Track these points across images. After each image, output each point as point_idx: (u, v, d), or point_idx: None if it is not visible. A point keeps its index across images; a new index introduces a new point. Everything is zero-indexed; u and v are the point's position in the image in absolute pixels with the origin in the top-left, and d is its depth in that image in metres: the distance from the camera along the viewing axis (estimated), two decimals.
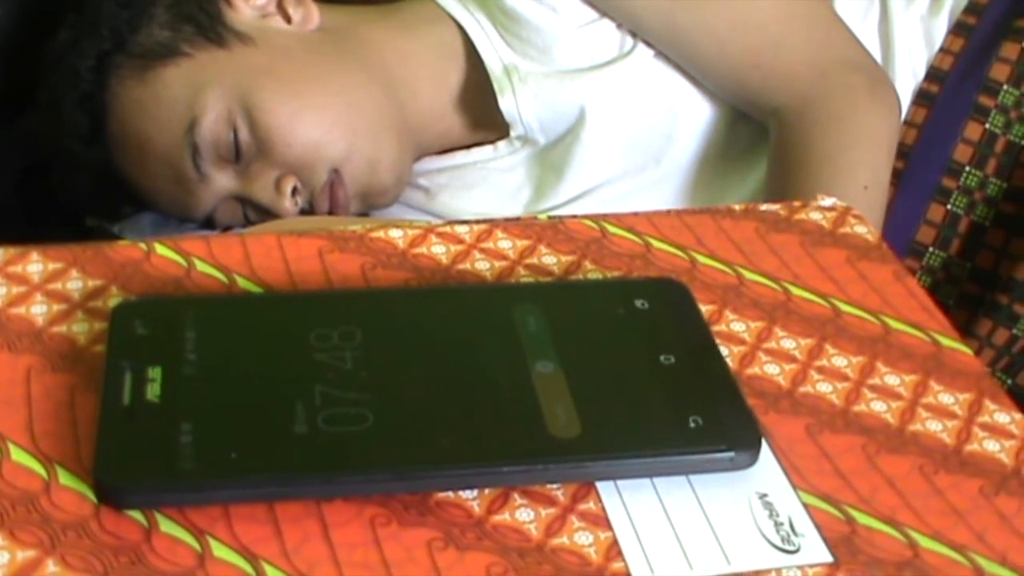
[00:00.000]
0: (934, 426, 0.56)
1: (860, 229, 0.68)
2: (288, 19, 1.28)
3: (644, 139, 1.28)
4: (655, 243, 0.66)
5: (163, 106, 1.22)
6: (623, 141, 1.28)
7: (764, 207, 0.70)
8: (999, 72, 1.24)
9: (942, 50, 1.25)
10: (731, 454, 0.52)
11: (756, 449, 0.53)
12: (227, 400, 0.52)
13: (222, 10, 1.26)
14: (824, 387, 0.58)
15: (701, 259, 0.65)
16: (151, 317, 0.56)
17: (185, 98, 1.21)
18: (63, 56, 1.27)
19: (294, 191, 1.22)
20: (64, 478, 0.50)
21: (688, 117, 1.28)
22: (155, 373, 0.53)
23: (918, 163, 1.25)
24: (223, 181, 1.24)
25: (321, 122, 1.23)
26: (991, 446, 0.55)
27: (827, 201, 0.70)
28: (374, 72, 1.27)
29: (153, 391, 0.53)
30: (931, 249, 1.25)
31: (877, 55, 1.26)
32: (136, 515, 0.49)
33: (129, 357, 0.54)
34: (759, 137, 1.28)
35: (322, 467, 0.50)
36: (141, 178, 1.28)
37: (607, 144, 1.27)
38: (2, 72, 1.38)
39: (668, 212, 0.68)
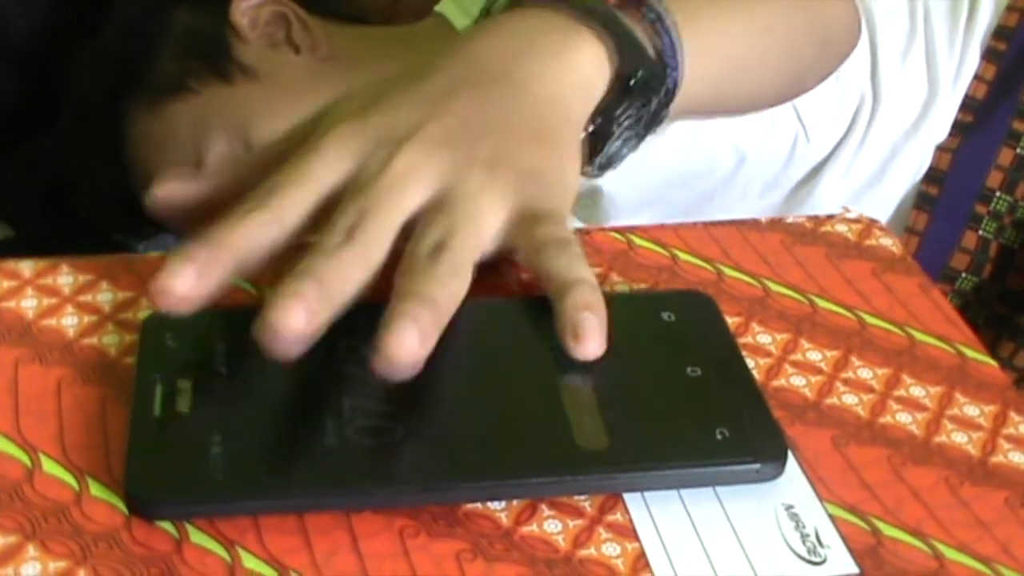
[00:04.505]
0: (959, 438, 0.56)
1: (886, 241, 0.68)
2: (297, 49, 1.27)
3: (674, 195, 1.27)
4: (681, 255, 0.66)
5: (170, 141, 1.22)
6: (650, 192, 1.26)
7: (790, 219, 0.70)
8: None
9: (976, 78, 1.24)
10: (757, 466, 0.52)
11: (782, 461, 0.53)
12: (257, 412, 0.52)
13: (231, 42, 1.25)
14: (850, 399, 0.58)
15: (727, 271, 0.65)
16: (181, 330, 0.57)
17: (191, 136, 1.21)
18: (78, 82, 1.27)
19: None
20: (95, 489, 0.50)
21: (716, 167, 1.27)
22: (185, 385, 0.54)
23: (952, 190, 1.24)
24: None
25: None
26: (1016, 458, 0.55)
27: (852, 213, 0.70)
28: None
29: (183, 403, 0.53)
30: (964, 275, 1.24)
31: (923, 90, 1.25)
32: (167, 526, 0.49)
33: (159, 369, 0.54)
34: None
35: (351, 479, 0.50)
36: None
37: (632, 195, 1.26)
38: (29, 86, 1.38)
39: (694, 224, 0.69)
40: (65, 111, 1.29)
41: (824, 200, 1.27)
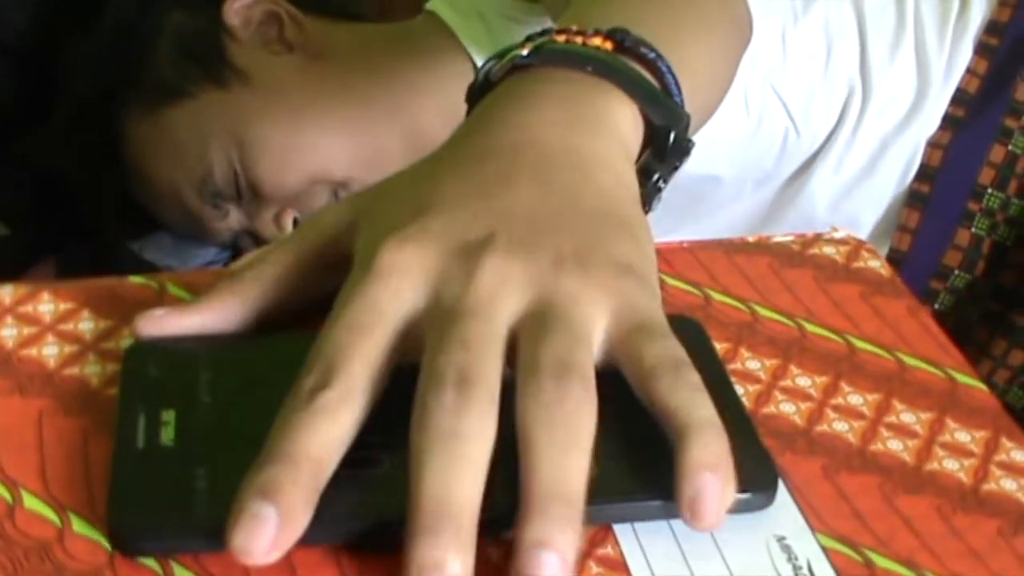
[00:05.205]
0: (951, 465, 0.56)
1: (873, 263, 0.68)
2: (290, 47, 1.27)
3: (667, 197, 1.26)
4: (669, 280, 0.65)
5: (168, 148, 1.23)
6: None
7: (777, 239, 0.69)
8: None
9: (969, 71, 1.24)
10: (748, 495, 0.52)
11: (773, 490, 0.52)
12: (241, 444, 0.51)
13: (225, 44, 1.25)
14: (840, 426, 0.57)
15: (715, 296, 0.65)
16: (163, 359, 0.56)
17: (189, 142, 1.21)
18: (73, 83, 1.27)
19: (296, 222, 1.22)
20: (77, 525, 0.50)
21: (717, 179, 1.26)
22: (169, 416, 0.53)
23: (944, 187, 1.23)
24: (232, 217, 1.25)
25: (313, 161, 1.22)
26: (1008, 485, 0.55)
27: (840, 233, 0.70)
28: (380, 106, 1.25)
29: (167, 435, 0.52)
30: (957, 272, 1.24)
31: (913, 83, 1.24)
32: (151, 563, 0.48)
33: (142, 400, 0.54)
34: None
35: (337, 513, 0.49)
36: (156, 207, 1.28)
37: None
38: (23, 82, 1.37)
39: (681, 247, 0.68)
40: (60, 112, 1.29)
41: (817, 194, 1.27)
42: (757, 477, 0.52)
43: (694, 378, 0.52)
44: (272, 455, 0.48)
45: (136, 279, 0.63)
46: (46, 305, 0.61)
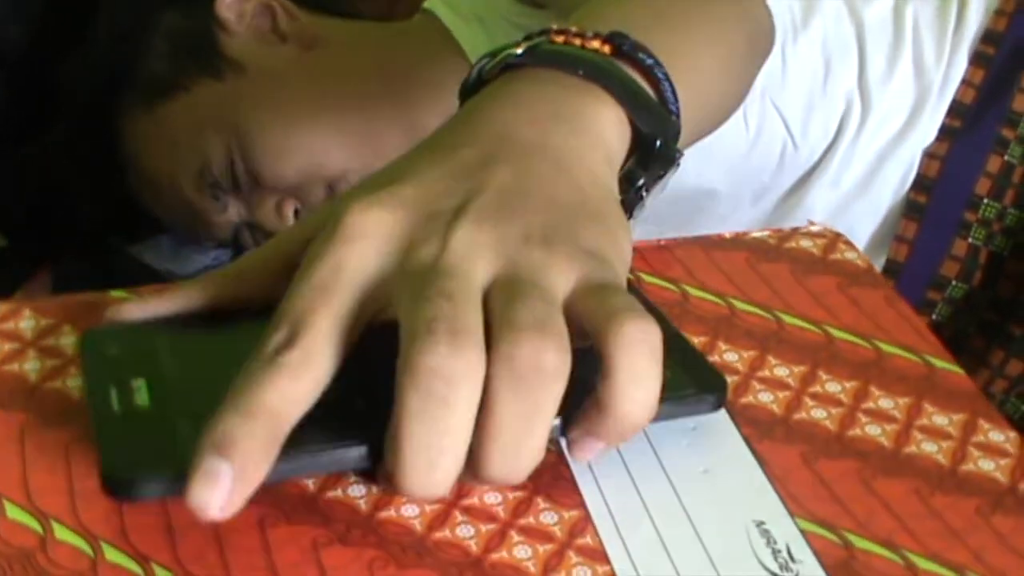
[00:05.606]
0: (929, 447, 0.56)
1: (850, 255, 0.68)
2: (284, 38, 1.28)
3: (665, 209, 1.26)
4: (646, 278, 0.66)
5: (167, 143, 1.23)
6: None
7: (754, 234, 0.70)
8: (1020, 103, 1.22)
9: (965, 82, 1.24)
10: (704, 395, 0.55)
11: (723, 391, 0.56)
12: (217, 391, 0.49)
13: (218, 37, 1.26)
14: (818, 413, 0.58)
15: (692, 291, 0.65)
16: (121, 339, 0.58)
17: (187, 136, 1.22)
18: (72, 89, 1.28)
19: (296, 213, 1.23)
20: (60, 532, 0.50)
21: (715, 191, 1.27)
22: (139, 383, 0.54)
23: (941, 198, 1.23)
24: (233, 210, 1.25)
25: (309, 149, 1.21)
26: (986, 465, 0.55)
27: (817, 227, 0.70)
28: (374, 95, 1.23)
29: (141, 398, 0.53)
30: (954, 282, 1.24)
31: (911, 95, 1.24)
32: (133, 566, 0.49)
33: (109, 374, 0.55)
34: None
35: (320, 438, 0.50)
36: (157, 206, 1.29)
37: None
38: (18, 93, 1.38)
39: (658, 244, 0.69)
40: (60, 119, 1.30)
41: (815, 207, 1.26)
42: (707, 381, 0.56)
43: (655, 341, 0.50)
44: (230, 407, 0.48)
45: (116, 293, 0.64)
46: (27, 321, 0.61)
